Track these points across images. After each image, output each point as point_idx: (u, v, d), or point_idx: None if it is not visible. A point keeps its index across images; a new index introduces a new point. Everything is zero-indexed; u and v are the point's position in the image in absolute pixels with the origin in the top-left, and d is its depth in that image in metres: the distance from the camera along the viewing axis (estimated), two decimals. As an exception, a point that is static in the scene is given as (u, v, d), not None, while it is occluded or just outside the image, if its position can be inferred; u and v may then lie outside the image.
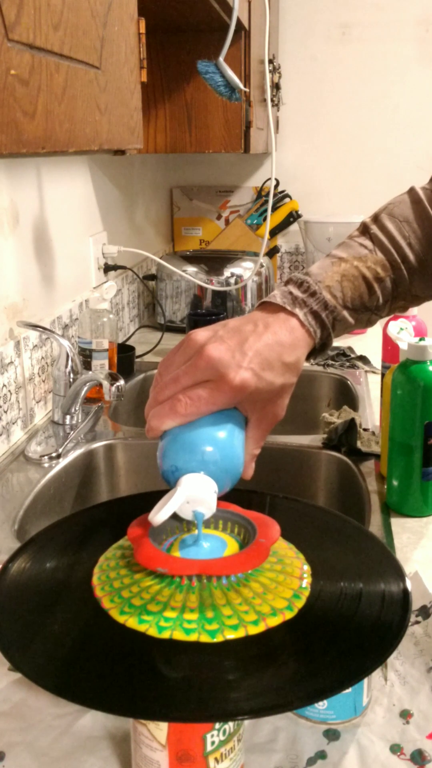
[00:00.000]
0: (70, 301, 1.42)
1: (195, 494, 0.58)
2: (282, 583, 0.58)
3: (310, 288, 0.66)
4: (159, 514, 0.58)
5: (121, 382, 1.12)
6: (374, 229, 0.71)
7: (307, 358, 0.67)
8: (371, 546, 0.66)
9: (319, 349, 0.68)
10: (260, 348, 0.61)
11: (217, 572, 0.57)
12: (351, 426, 1.11)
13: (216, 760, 0.53)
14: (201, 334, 0.61)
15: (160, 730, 0.52)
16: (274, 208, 2.23)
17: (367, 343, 1.74)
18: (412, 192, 0.74)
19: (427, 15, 2.14)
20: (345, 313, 0.67)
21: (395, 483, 0.94)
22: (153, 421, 0.61)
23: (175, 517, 0.61)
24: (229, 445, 0.61)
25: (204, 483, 0.59)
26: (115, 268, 1.64)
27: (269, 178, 2.12)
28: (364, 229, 0.72)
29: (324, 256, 0.72)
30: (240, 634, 0.53)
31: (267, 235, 1.60)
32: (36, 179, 1.27)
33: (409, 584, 0.59)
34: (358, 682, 0.59)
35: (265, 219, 2.22)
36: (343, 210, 2.25)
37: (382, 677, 0.65)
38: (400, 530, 0.90)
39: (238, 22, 1.22)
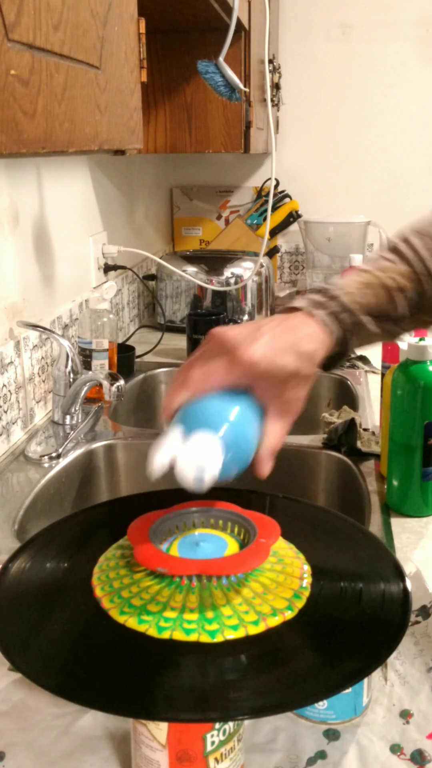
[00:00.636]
0: (70, 301, 1.42)
1: (199, 450, 0.57)
2: (282, 584, 0.58)
3: (330, 293, 0.68)
4: (157, 457, 0.57)
5: (121, 382, 1.12)
6: (399, 243, 0.72)
7: (328, 367, 0.69)
8: (371, 546, 0.66)
9: (338, 354, 0.68)
10: (274, 334, 0.63)
11: (217, 572, 0.57)
12: (351, 426, 1.11)
13: (216, 760, 0.53)
14: (222, 327, 0.65)
15: (160, 730, 0.52)
16: (274, 208, 2.22)
17: (367, 343, 1.74)
18: None
19: (427, 15, 2.14)
20: (364, 318, 0.68)
21: (395, 483, 0.94)
22: (166, 400, 0.63)
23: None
24: (240, 427, 0.61)
25: (211, 442, 0.58)
26: (115, 268, 1.64)
27: (269, 178, 2.12)
28: (389, 245, 0.74)
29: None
30: (240, 634, 0.53)
31: (267, 235, 1.60)
32: (36, 179, 1.27)
33: (409, 584, 0.59)
34: (358, 682, 0.59)
35: (265, 219, 2.22)
36: (343, 210, 2.24)
37: (382, 677, 0.65)
38: (400, 530, 0.90)
39: (238, 22, 1.22)
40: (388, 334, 0.71)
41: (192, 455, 0.57)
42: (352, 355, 1.61)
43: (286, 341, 0.63)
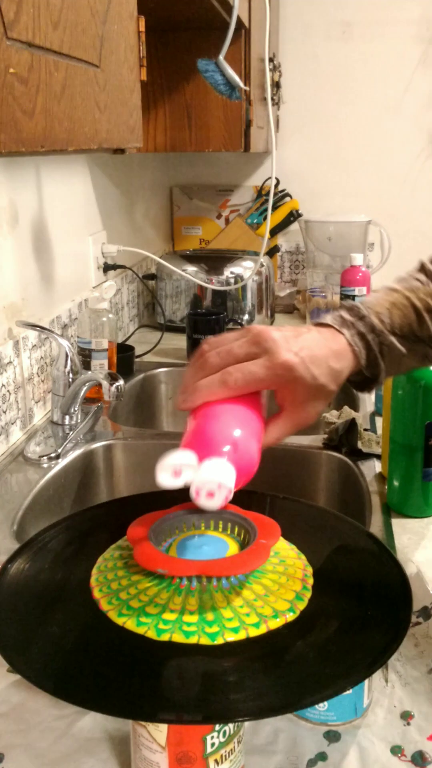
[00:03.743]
0: (70, 300, 1.42)
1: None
2: (284, 585, 0.58)
3: (359, 312, 0.68)
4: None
5: (121, 382, 1.11)
6: (428, 264, 0.73)
7: (362, 389, 0.70)
8: (372, 547, 0.65)
9: (371, 378, 0.69)
10: (312, 344, 0.64)
11: (218, 573, 0.56)
12: (352, 426, 1.11)
13: (216, 761, 0.53)
14: (260, 325, 0.66)
15: (160, 731, 0.52)
16: (275, 208, 2.22)
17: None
18: None
19: (428, 14, 2.14)
20: (393, 339, 0.67)
21: (396, 483, 0.94)
22: (203, 392, 0.63)
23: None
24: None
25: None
26: (114, 267, 1.63)
27: (269, 177, 2.12)
28: (420, 266, 0.74)
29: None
30: (241, 636, 0.53)
31: (267, 235, 1.60)
32: (35, 178, 1.27)
33: (410, 585, 0.59)
34: (358, 683, 0.59)
35: (265, 218, 2.22)
36: (343, 209, 2.24)
37: (383, 679, 0.65)
38: (400, 531, 0.90)
39: (239, 20, 1.21)
40: (421, 357, 0.71)
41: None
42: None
43: (321, 354, 0.64)
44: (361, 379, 0.69)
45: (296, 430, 0.67)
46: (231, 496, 0.57)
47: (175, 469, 0.56)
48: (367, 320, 0.67)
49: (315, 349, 0.64)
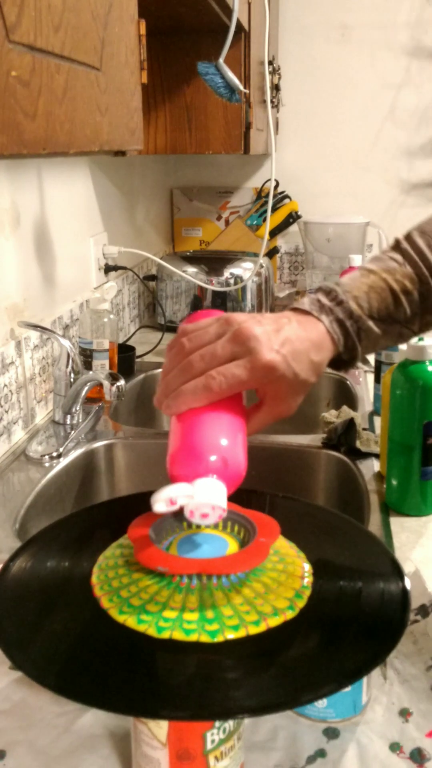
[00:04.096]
0: (71, 301, 1.42)
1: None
2: (284, 583, 0.58)
3: (337, 297, 0.68)
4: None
5: (122, 382, 1.12)
6: (405, 244, 0.73)
7: (338, 369, 0.70)
8: (370, 545, 0.66)
9: (348, 360, 0.69)
10: (293, 338, 0.63)
11: (218, 571, 0.57)
12: (350, 426, 1.11)
13: (216, 758, 0.53)
14: (239, 315, 0.64)
15: (161, 728, 0.52)
16: (274, 209, 2.23)
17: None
18: None
19: (426, 16, 2.14)
20: (370, 323, 0.68)
21: (394, 482, 0.94)
22: (188, 397, 0.62)
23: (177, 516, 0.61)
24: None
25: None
26: (115, 268, 1.64)
27: (269, 179, 2.12)
28: (396, 245, 0.74)
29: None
30: (241, 634, 0.53)
31: (267, 236, 1.61)
32: (37, 180, 1.27)
33: (408, 583, 0.59)
34: (357, 680, 0.59)
35: (264, 220, 2.22)
36: (343, 210, 2.25)
37: (382, 676, 0.65)
38: (399, 529, 0.91)
39: (238, 23, 1.22)
40: (396, 336, 0.71)
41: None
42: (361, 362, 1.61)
43: (302, 348, 0.64)
44: (338, 360, 0.69)
45: (275, 421, 0.67)
46: (225, 514, 0.58)
47: (171, 500, 0.57)
48: (345, 305, 0.67)
49: (296, 342, 0.63)
